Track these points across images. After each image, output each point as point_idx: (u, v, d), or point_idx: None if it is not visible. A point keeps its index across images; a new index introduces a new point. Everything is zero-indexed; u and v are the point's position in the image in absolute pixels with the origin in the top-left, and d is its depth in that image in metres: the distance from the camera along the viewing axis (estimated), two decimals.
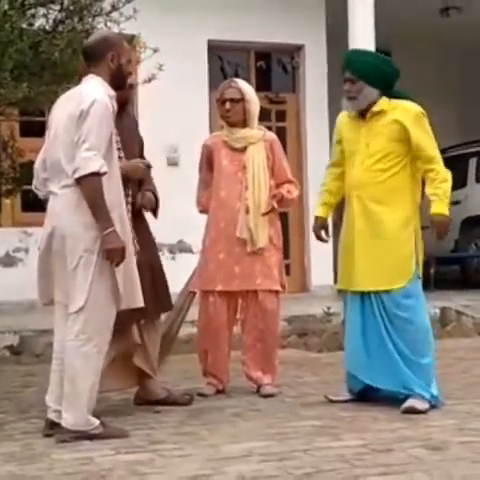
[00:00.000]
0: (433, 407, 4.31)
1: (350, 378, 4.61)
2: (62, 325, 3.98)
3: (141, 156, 4.66)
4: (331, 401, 4.58)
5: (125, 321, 4.20)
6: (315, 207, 4.92)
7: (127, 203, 4.38)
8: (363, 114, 4.55)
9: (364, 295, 4.47)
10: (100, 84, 3.99)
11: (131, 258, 4.00)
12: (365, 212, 4.49)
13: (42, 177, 4.09)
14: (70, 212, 3.87)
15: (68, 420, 3.83)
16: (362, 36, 8.87)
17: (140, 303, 4.01)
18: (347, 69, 4.55)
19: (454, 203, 10.71)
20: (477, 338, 7.41)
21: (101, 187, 3.80)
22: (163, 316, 4.83)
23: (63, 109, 3.98)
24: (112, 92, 4.01)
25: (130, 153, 4.48)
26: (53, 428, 3.92)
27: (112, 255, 3.81)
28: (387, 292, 4.41)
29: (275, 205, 4.84)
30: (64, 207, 3.89)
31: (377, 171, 4.46)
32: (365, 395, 4.57)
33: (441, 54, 13.22)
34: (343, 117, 4.72)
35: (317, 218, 4.82)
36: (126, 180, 4.28)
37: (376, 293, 4.44)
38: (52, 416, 3.94)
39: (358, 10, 8.97)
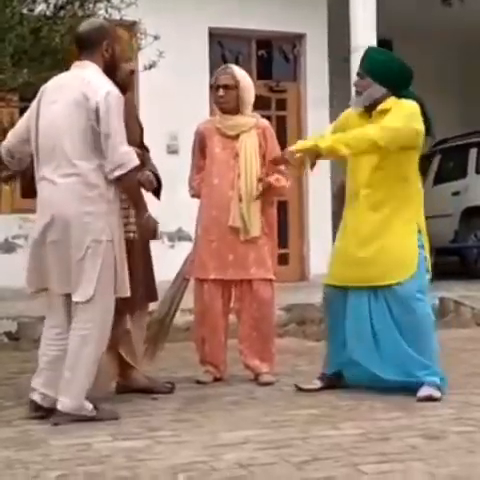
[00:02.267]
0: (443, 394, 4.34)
1: (328, 363, 4.65)
2: (58, 313, 4.00)
3: (141, 143, 4.65)
4: (300, 390, 4.59)
5: (120, 311, 4.23)
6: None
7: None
8: (370, 113, 4.53)
9: (369, 291, 4.49)
10: (101, 73, 4.00)
11: (122, 248, 4.01)
12: (371, 212, 4.49)
13: (18, 157, 4.13)
14: (76, 202, 3.85)
15: (65, 404, 3.86)
16: (364, 25, 8.84)
17: (128, 293, 4.04)
18: (360, 64, 4.61)
19: (454, 194, 10.83)
20: (476, 328, 7.41)
21: (134, 169, 3.95)
22: (155, 305, 4.84)
23: (62, 94, 3.94)
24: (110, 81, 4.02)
25: (132, 140, 4.47)
26: (38, 410, 3.96)
27: (149, 235, 4.20)
28: (389, 287, 4.44)
29: (259, 187, 4.80)
30: (68, 197, 3.87)
31: (380, 169, 4.43)
32: (333, 382, 4.62)
33: (442, 44, 13.21)
34: (350, 114, 4.67)
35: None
36: None
37: (378, 288, 4.47)
38: (37, 398, 3.97)
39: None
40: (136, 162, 3.93)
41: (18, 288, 7.65)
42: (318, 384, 4.64)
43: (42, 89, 4.12)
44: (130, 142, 4.41)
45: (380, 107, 4.49)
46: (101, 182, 3.88)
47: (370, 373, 4.48)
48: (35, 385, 3.99)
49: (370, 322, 4.50)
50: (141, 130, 4.69)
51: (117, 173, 3.88)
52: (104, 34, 4.08)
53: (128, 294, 4.04)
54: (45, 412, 3.95)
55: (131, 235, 4.38)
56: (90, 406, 3.91)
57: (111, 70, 4.08)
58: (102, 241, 3.86)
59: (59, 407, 3.88)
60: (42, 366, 4.01)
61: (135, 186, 4.05)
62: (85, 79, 3.95)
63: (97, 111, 3.84)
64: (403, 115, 4.40)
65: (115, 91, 3.93)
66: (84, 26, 4.17)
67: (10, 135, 4.23)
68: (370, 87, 4.50)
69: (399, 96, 4.50)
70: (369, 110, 4.54)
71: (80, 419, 3.85)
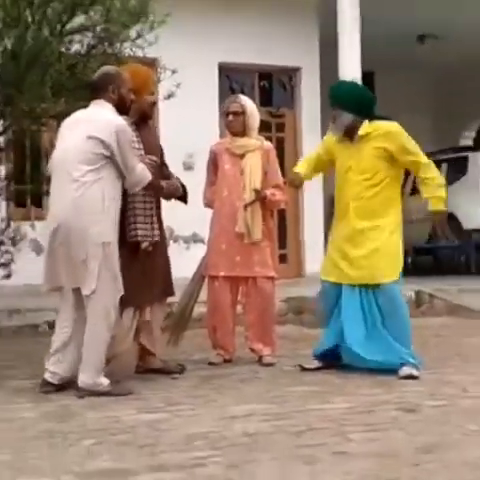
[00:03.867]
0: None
1: (320, 346, 4.66)
2: (68, 306, 4.05)
3: (162, 162, 4.66)
4: (304, 369, 4.60)
5: (139, 305, 4.31)
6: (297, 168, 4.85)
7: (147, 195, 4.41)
8: (350, 137, 4.53)
9: (361, 288, 4.50)
10: (112, 110, 4.11)
11: (117, 250, 4.03)
12: (360, 221, 4.48)
13: None
14: (73, 212, 3.91)
15: (85, 380, 3.92)
16: (350, 59, 8.87)
17: (121, 291, 4.05)
18: (330, 98, 4.67)
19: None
20: (447, 317, 7.39)
21: (152, 181, 4.21)
22: (177, 299, 4.85)
23: (77, 128, 4.04)
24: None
25: (155, 160, 4.48)
26: (47, 386, 4.03)
27: (175, 192, 4.57)
28: (376, 285, 4.45)
29: (252, 196, 4.77)
30: (67, 207, 3.92)
31: (369, 186, 4.45)
32: (330, 363, 4.63)
33: (418, 74, 13.22)
34: (332, 138, 4.68)
35: (296, 173, 4.76)
36: None
37: (368, 286, 4.47)
38: (47, 376, 4.04)
39: (347, 37, 8.98)
40: (149, 177, 4.13)
41: None
42: (317, 364, 4.64)
43: (62, 123, 4.24)
44: (156, 169, 4.44)
45: (360, 133, 4.49)
46: (98, 194, 3.94)
47: (358, 356, 4.50)
48: (46, 365, 4.07)
49: (362, 313, 4.51)
50: (161, 151, 4.71)
51: (136, 188, 4.13)
52: (109, 80, 4.17)
53: (122, 293, 4.04)
54: (54, 387, 4.02)
55: (156, 238, 4.39)
56: (106, 382, 3.94)
57: (121, 107, 4.17)
58: (99, 244, 3.90)
59: (79, 383, 3.93)
60: (52, 350, 4.07)
61: (154, 190, 4.29)
62: (98, 115, 4.05)
63: (109, 145, 3.94)
64: (413, 142, 4.49)
65: (123, 126, 4.04)
66: (96, 74, 4.29)
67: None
68: (341, 115, 4.51)
69: (370, 119, 4.50)
70: (349, 135, 4.53)
71: (98, 393, 3.88)
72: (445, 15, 10.58)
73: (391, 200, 4.50)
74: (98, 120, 4.01)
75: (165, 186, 4.43)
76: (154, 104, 4.68)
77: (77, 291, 3.99)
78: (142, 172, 4.09)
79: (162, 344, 4.71)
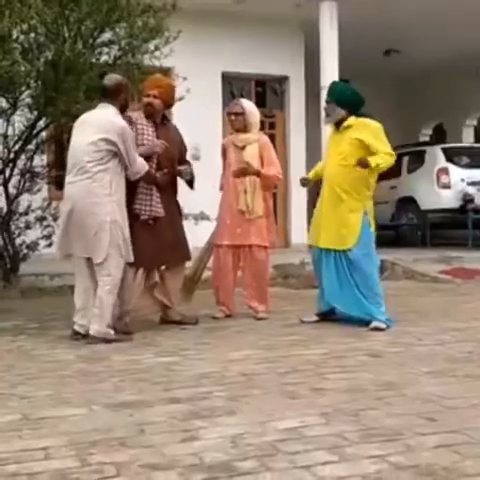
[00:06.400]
0: (387, 327, 4.33)
1: (320, 304, 4.64)
2: (82, 271, 4.05)
3: (183, 156, 4.61)
4: (302, 322, 4.60)
5: (150, 269, 4.31)
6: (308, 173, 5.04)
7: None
8: (337, 126, 4.52)
9: (335, 252, 4.47)
10: (117, 113, 4.06)
11: (126, 225, 4.03)
12: (332, 195, 4.47)
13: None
14: (85, 196, 3.92)
15: (95, 330, 3.93)
16: (330, 69, 8.82)
17: (131, 259, 4.07)
18: (327, 94, 4.60)
19: (392, 188, 10.79)
20: (405, 281, 7.40)
21: (148, 171, 4.13)
22: (190, 264, 4.84)
23: (87, 128, 4.01)
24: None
25: (170, 152, 4.44)
26: (76, 335, 4.04)
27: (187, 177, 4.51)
28: (344, 251, 4.42)
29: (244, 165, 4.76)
30: (80, 192, 3.93)
31: (342, 166, 4.43)
32: (326, 317, 4.61)
33: (385, 82, 13.11)
34: (330, 131, 4.72)
35: (306, 178, 4.90)
36: (150, 156, 4.27)
37: (339, 251, 4.45)
38: (75, 327, 4.07)
39: (327, 51, 8.93)
40: (146, 168, 4.11)
41: None
42: (314, 318, 4.63)
43: (75, 123, 4.18)
44: (170, 154, 4.39)
45: (345, 124, 4.48)
46: (104, 181, 3.93)
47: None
48: (74, 319, 4.09)
49: (336, 275, 4.50)
50: (183, 147, 4.67)
51: (137, 177, 4.10)
52: (122, 87, 4.12)
53: (131, 260, 4.06)
54: (80, 335, 4.03)
55: (154, 213, 4.32)
56: (112, 332, 3.97)
57: (124, 109, 4.15)
58: (107, 221, 3.90)
59: (91, 333, 3.94)
60: (77, 308, 4.09)
61: (149, 179, 4.20)
62: (105, 117, 4.01)
63: (115, 143, 3.93)
64: (383, 138, 4.39)
65: (125, 126, 4.02)
66: (108, 81, 4.15)
67: None
68: (334, 109, 4.49)
69: (356, 115, 4.48)
70: (336, 125, 4.53)
71: (105, 340, 3.90)
72: (406, 34, 10.50)
73: (357, 180, 4.41)
74: (106, 122, 3.98)
75: (159, 177, 4.31)
76: (171, 106, 4.63)
77: (88, 259, 4.00)
78: (141, 164, 4.07)
79: (179, 300, 4.71)
